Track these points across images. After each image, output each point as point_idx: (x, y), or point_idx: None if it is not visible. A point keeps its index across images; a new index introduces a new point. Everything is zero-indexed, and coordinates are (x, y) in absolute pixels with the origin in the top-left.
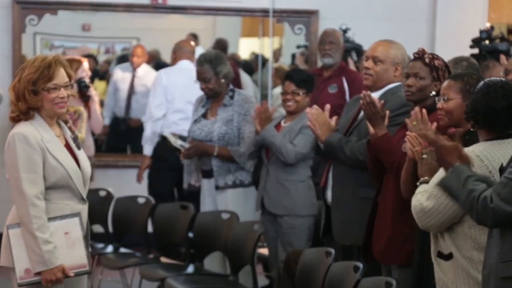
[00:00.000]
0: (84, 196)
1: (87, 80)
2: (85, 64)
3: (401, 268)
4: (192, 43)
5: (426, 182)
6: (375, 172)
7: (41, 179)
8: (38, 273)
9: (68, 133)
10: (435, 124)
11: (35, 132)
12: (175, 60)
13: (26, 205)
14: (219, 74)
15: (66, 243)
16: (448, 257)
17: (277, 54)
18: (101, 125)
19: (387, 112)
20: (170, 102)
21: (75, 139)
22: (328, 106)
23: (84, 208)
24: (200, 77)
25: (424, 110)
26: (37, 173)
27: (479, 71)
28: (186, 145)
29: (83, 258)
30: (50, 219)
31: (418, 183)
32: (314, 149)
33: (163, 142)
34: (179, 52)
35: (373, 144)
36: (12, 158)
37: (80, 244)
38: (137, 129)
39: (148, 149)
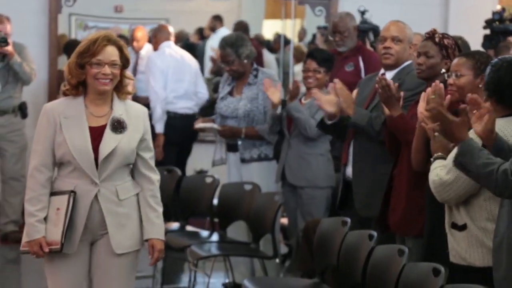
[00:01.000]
0: (97, 179)
1: None
2: None
3: (415, 239)
4: (170, 27)
5: (441, 158)
6: (391, 148)
7: (46, 152)
8: None
9: (122, 115)
10: (448, 97)
11: (61, 107)
12: (156, 43)
13: (28, 175)
14: (241, 56)
15: (54, 219)
16: (462, 228)
17: (301, 34)
18: None
19: (402, 93)
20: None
21: (119, 122)
22: (332, 84)
23: (93, 190)
24: (224, 60)
25: (441, 84)
26: (43, 145)
27: (469, 49)
28: (217, 126)
29: (58, 236)
30: (52, 193)
31: (432, 159)
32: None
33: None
34: (159, 35)
35: (389, 124)
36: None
37: (61, 221)
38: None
39: (160, 127)
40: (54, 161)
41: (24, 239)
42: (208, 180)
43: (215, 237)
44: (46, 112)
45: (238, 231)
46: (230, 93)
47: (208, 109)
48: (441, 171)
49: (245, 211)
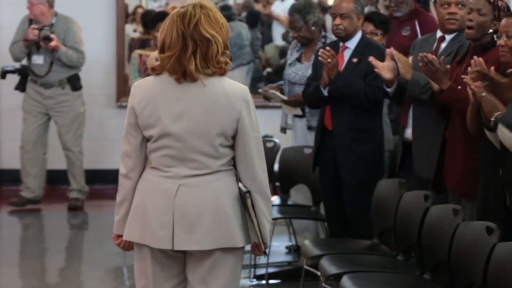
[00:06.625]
0: None
1: None
2: None
3: (472, 202)
4: None
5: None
6: (441, 113)
7: None
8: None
9: None
10: (492, 68)
11: None
12: None
13: (265, 169)
14: (308, 22)
15: None
16: None
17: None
18: None
19: (448, 67)
20: None
21: None
22: (388, 51)
23: None
24: (292, 26)
25: (481, 59)
26: None
27: None
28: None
29: None
30: None
31: (492, 119)
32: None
33: None
34: None
35: (442, 99)
36: (253, 116)
37: None
38: None
39: None
40: None
41: (267, 238)
42: (269, 145)
43: (276, 200)
44: None
45: (299, 194)
46: (298, 60)
47: (274, 76)
48: None
49: (306, 174)
